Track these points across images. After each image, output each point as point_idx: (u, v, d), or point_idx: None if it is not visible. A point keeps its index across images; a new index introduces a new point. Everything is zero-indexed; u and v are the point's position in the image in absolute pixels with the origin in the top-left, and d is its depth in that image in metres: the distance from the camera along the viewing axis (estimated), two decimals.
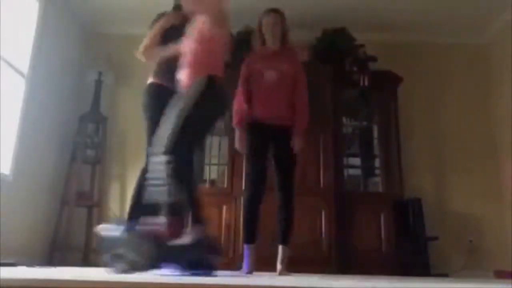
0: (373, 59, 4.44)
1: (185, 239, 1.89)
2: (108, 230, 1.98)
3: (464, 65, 4.86)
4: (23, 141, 3.78)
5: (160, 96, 2.56)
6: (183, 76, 2.20)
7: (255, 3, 4.42)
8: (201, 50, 2.19)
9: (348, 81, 4.32)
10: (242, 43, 4.41)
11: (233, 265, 3.62)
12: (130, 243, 1.81)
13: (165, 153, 1.97)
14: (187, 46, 2.27)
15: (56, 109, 4.36)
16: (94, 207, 4.41)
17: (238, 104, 2.87)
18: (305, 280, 1.85)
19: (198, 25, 2.24)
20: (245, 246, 2.75)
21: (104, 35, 4.91)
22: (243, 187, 2.91)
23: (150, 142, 2.41)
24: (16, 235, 3.63)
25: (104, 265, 1.84)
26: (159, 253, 1.79)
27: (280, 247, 2.76)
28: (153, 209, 1.93)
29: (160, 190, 1.93)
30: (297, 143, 2.77)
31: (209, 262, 1.90)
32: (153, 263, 1.80)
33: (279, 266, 2.71)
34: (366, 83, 4.26)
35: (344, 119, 4.44)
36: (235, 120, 2.87)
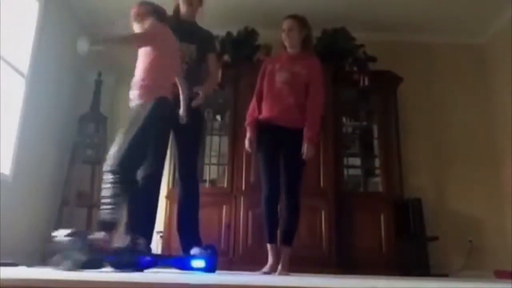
0: (373, 59, 4.45)
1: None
2: (61, 236, 2.19)
3: (464, 65, 4.86)
4: (23, 141, 3.77)
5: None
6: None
7: (255, 3, 4.44)
8: (143, 68, 2.32)
9: (348, 81, 4.32)
10: (242, 43, 4.42)
11: (233, 265, 3.63)
12: (77, 247, 2.01)
13: (112, 172, 2.13)
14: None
15: (56, 109, 4.36)
16: (94, 207, 4.40)
17: (252, 105, 2.92)
18: (305, 280, 1.85)
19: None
20: (267, 245, 2.77)
21: (104, 35, 4.90)
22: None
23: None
24: (16, 235, 3.63)
25: (53, 264, 2.00)
26: (100, 256, 2.02)
27: (282, 248, 2.75)
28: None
29: (109, 210, 2.11)
30: (306, 150, 2.72)
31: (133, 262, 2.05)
32: (93, 263, 1.98)
33: (279, 267, 2.71)
34: (366, 83, 4.26)
35: (344, 119, 4.44)
36: (247, 120, 2.91)
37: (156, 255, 2.83)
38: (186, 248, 2.53)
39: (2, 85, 3.51)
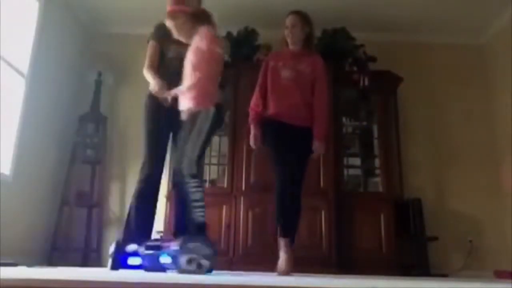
0: (373, 59, 4.45)
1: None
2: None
3: (464, 65, 4.85)
4: (23, 141, 3.77)
5: (160, 109, 2.63)
6: (187, 101, 2.34)
7: (255, 3, 4.44)
8: (204, 76, 2.32)
9: (348, 81, 4.32)
10: (242, 43, 4.42)
11: (233, 265, 3.63)
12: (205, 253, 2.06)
13: (195, 176, 2.27)
14: (188, 68, 2.37)
15: (56, 109, 4.36)
16: (94, 207, 4.41)
17: (254, 101, 2.87)
18: (305, 280, 1.85)
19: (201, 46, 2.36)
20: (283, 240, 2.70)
21: (104, 35, 4.91)
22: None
23: (151, 155, 2.61)
24: (16, 235, 3.63)
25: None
26: None
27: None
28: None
29: (201, 213, 2.23)
30: (317, 148, 2.72)
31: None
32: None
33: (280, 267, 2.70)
34: (366, 83, 4.26)
35: (344, 119, 4.44)
36: (251, 115, 2.86)
37: None
38: None
39: (2, 85, 3.52)
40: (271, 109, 2.80)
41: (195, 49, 2.38)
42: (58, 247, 4.11)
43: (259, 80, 2.91)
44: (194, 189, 2.25)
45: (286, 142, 2.71)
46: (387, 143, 4.29)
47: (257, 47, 4.46)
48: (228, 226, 3.89)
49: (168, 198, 3.86)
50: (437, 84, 4.79)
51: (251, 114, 2.86)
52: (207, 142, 2.36)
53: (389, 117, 4.41)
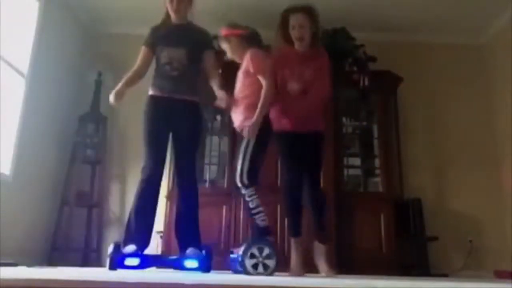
0: (373, 59, 4.44)
1: None
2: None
3: (464, 65, 4.85)
4: (23, 141, 3.77)
5: (160, 107, 2.67)
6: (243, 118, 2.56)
7: (255, 3, 4.44)
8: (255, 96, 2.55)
9: (348, 81, 4.32)
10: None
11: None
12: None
13: (248, 186, 2.48)
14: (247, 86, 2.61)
15: (56, 109, 4.36)
16: (94, 207, 4.41)
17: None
18: (305, 280, 1.85)
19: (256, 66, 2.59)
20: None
21: (104, 35, 4.91)
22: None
23: (151, 156, 2.63)
24: (16, 235, 3.63)
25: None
26: None
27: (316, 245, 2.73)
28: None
29: (263, 217, 2.46)
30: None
31: None
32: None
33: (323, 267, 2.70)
34: (366, 83, 4.26)
35: (344, 119, 4.44)
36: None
37: (154, 256, 2.85)
38: (183, 248, 2.54)
39: (2, 85, 3.52)
40: (284, 123, 2.70)
41: (245, 71, 2.63)
42: (58, 247, 4.10)
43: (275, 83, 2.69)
44: (249, 198, 2.47)
45: (298, 151, 2.71)
46: (387, 143, 4.29)
47: None
48: (228, 226, 3.88)
49: (168, 198, 3.86)
50: (437, 84, 4.79)
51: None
52: (252, 154, 2.52)
53: (389, 117, 4.41)
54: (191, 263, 2.38)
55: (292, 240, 2.71)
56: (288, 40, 2.78)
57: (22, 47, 3.87)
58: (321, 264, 2.68)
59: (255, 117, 2.48)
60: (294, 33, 2.73)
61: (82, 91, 4.66)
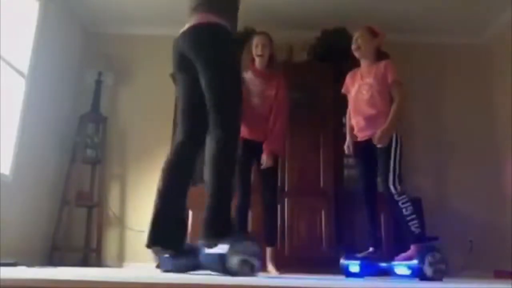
0: None
1: None
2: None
3: (464, 65, 4.85)
4: (23, 141, 3.78)
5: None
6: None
7: (255, 3, 4.43)
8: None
9: None
10: (242, 43, 4.42)
11: None
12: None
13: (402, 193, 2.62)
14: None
15: (56, 109, 4.36)
16: (94, 207, 4.41)
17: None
18: (304, 280, 1.85)
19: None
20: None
21: (104, 35, 4.90)
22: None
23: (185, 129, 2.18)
24: (16, 235, 3.63)
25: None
26: None
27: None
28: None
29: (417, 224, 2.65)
30: (265, 161, 3.01)
31: None
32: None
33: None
34: None
35: (344, 119, 4.42)
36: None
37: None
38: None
39: (2, 85, 3.52)
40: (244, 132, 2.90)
41: (380, 79, 2.93)
42: (58, 247, 4.10)
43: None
44: (403, 206, 2.59)
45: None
46: None
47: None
48: None
49: None
50: (437, 84, 4.79)
51: None
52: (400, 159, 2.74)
53: None
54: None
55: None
56: (252, 59, 3.18)
57: (22, 47, 3.87)
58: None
59: (390, 124, 2.73)
60: (256, 52, 3.12)
61: (82, 91, 4.66)
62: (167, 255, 2.07)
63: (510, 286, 1.70)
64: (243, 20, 4.41)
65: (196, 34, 2.11)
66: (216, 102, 2.02)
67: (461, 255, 4.21)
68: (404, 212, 2.53)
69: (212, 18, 2.11)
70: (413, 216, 2.54)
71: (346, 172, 4.28)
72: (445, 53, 4.86)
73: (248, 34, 4.46)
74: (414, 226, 2.53)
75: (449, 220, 4.34)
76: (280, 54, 4.55)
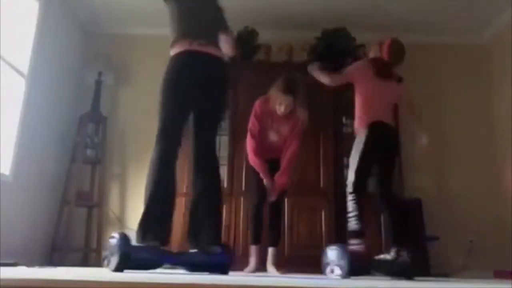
0: None
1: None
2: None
3: (464, 65, 4.85)
4: (23, 141, 3.77)
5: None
6: None
7: (255, 3, 4.44)
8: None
9: (348, 81, 4.30)
10: (242, 43, 4.42)
11: (233, 265, 3.62)
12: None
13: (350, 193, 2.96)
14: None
15: (56, 109, 4.36)
16: (94, 207, 4.41)
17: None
18: (304, 280, 1.85)
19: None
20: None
21: (104, 35, 4.90)
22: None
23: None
24: (16, 235, 3.63)
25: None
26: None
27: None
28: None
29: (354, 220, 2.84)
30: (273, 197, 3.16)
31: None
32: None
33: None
34: None
35: (344, 119, 4.43)
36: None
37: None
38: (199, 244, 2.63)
39: (2, 85, 3.52)
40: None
41: (397, 98, 3.41)
42: (58, 247, 4.11)
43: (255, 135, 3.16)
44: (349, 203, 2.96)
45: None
46: None
47: (257, 47, 4.46)
48: (227, 226, 3.88)
49: None
50: (437, 84, 4.79)
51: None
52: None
53: None
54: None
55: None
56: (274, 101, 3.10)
57: (22, 47, 3.87)
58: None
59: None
60: (278, 107, 3.07)
61: (82, 91, 4.66)
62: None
63: (510, 286, 1.70)
64: (243, 20, 4.45)
65: (214, 65, 2.35)
66: (210, 132, 2.58)
67: (461, 255, 4.22)
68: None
69: (220, 53, 2.37)
70: (353, 213, 2.99)
71: (346, 172, 4.27)
72: (445, 53, 4.86)
73: (248, 34, 4.46)
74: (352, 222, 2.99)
75: (449, 220, 4.34)
76: (280, 54, 4.56)
